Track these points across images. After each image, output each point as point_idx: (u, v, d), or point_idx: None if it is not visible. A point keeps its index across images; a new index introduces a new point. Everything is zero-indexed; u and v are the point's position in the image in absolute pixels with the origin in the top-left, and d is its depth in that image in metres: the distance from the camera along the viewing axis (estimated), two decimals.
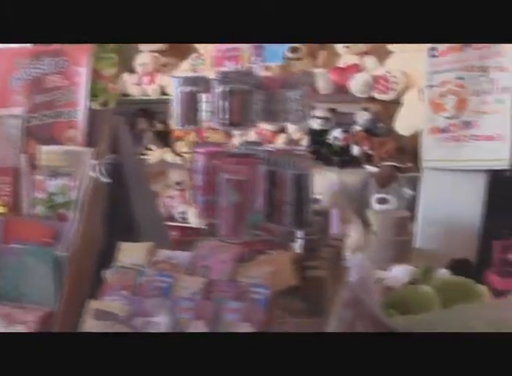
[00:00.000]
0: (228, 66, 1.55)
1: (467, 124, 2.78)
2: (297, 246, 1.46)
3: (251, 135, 3.61)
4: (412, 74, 3.05)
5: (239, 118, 1.36)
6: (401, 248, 2.74)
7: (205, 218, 1.44)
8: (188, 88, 1.46)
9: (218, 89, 1.37)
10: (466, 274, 2.19)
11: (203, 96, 1.43)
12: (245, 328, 1.00)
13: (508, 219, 2.88)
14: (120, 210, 1.48)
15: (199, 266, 1.14)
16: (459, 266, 2.14)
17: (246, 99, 1.35)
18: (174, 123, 1.57)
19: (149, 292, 1.10)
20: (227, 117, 1.35)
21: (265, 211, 1.33)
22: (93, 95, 3.60)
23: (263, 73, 1.55)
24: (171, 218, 3.71)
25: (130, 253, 1.20)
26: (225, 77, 1.37)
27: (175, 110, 1.50)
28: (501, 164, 2.73)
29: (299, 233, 1.42)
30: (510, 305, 1.83)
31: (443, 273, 2.13)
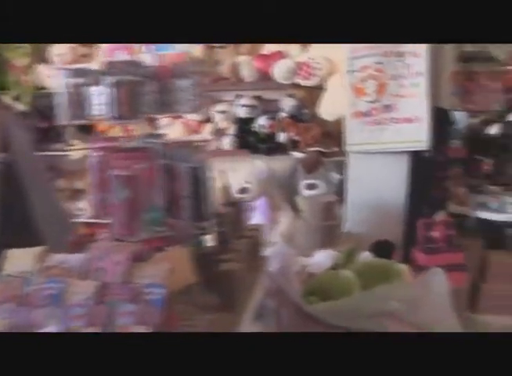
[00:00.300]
0: (119, 57, 1.46)
1: (388, 108, 2.83)
2: (208, 239, 1.42)
3: (178, 127, 3.55)
4: (334, 59, 3.06)
5: (128, 111, 1.29)
6: (329, 233, 2.77)
7: (101, 217, 1.37)
8: (76, 80, 1.37)
9: (106, 81, 1.29)
10: (387, 255, 2.24)
11: (92, 89, 1.35)
12: (141, 331, 0.95)
13: (429, 198, 2.98)
14: (15, 212, 1.39)
15: (93, 269, 1.07)
16: (380, 248, 2.18)
17: (136, 91, 1.28)
18: (60, 117, 1.47)
19: (38, 301, 1.02)
20: (115, 109, 1.28)
21: (164, 206, 1.28)
22: (4, 88, 3.40)
23: (154, 62, 1.48)
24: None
25: (17, 260, 1.11)
26: (112, 68, 1.29)
27: (62, 103, 1.40)
28: (420, 146, 2.80)
29: (207, 227, 1.38)
30: (426, 283, 1.88)
31: (365, 256, 2.17)
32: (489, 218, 3.03)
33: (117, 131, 3.52)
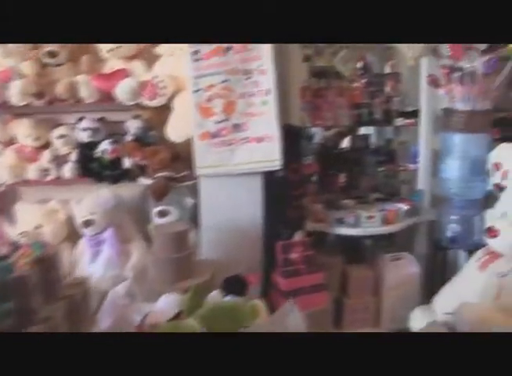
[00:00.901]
0: None
1: (237, 127, 2.71)
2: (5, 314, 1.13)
3: (10, 155, 3.11)
4: (180, 77, 2.88)
5: None
6: (184, 263, 2.54)
7: None
8: None
9: None
10: (239, 291, 2.09)
11: None
12: None
13: (286, 218, 2.90)
14: None
15: None
16: (230, 285, 2.01)
17: None
18: None
19: None
20: None
21: None
22: None
23: None
24: None
25: None
26: None
27: None
28: (273, 165, 2.72)
29: None
30: (280, 320, 1.75)
31: (214, 296, 1.98)
32: (347, 234, 3.02)
33: None
